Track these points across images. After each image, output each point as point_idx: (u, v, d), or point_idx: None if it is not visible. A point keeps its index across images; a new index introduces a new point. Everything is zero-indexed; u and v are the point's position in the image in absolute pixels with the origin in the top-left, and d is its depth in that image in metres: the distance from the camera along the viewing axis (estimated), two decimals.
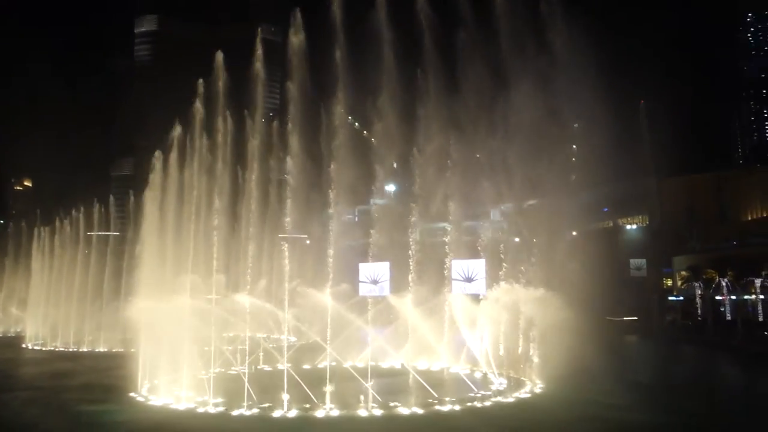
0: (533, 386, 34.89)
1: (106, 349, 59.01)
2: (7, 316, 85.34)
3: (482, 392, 32.97)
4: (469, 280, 43.28)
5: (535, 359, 36.85)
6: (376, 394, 29.96)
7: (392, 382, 35.72)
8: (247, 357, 36.00)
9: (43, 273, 73.14)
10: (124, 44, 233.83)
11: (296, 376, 30.63)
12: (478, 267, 36.75)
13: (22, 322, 77.73)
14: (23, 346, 66.43)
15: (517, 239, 46.32)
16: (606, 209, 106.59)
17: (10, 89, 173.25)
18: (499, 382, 35.67)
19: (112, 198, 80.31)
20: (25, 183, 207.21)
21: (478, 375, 38.33)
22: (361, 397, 29.65)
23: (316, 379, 31.54)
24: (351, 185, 46.02)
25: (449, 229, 44.52)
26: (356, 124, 60.28)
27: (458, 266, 36.97)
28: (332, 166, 42.95)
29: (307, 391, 29.66)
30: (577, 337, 34.48)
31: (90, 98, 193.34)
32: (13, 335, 78.59)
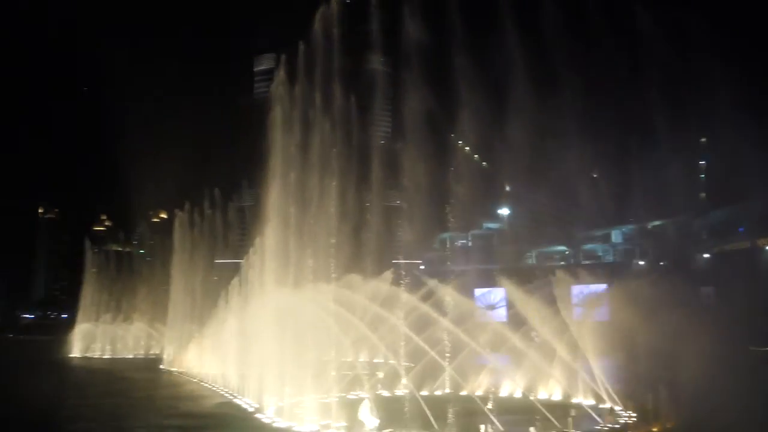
0: (665, 421, 32.55)
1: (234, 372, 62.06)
2: (149, 339, 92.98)
3: (609, 425, 31.33)
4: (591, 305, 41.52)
5: (668, 392, 34.36)
6: (498, 424, 29.31)
7: (512, 411, 34.74)
8: (366, 381, 36.56)
9: (177, 299, 78.76)
10: (247, 82, 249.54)
11: (417, 402, 30.70)
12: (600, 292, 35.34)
13: (161, 345, 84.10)
14: (160, 367, 71.81)
15: (642, 262, 43.97)
16: (742, 229, 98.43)
17: (147, 125, 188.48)
18: (627, 415, 33.70)
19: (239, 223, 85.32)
20: (161, 215, 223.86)
21: (602, 407, 36.42)
22: (482, 427, 29.11)
23: (435, 406, 31.35)
24: (465, 210, 45.95)
25: (567, 252, 43.14)
26: (467, 148, 60.40)
27: (579, 291, 35.78)
28: (447, 192, 43.12)
29: (429, 416, 29.56)
30: (716, 369, 31.85)
31: (218, 135, 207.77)
32: (153, 357, 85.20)
